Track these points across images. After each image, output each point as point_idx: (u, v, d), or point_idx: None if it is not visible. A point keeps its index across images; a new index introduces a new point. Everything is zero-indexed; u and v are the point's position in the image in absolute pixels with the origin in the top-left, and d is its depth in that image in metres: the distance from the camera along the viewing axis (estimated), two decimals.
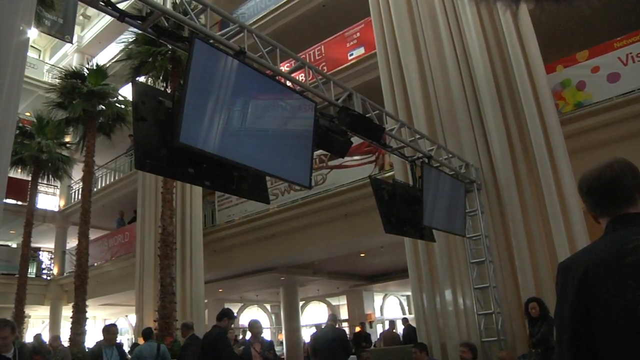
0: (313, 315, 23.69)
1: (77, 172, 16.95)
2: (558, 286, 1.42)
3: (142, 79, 12.07)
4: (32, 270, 18.53)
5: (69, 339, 12.71)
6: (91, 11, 21.14)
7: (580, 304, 1.30)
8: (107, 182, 18.46)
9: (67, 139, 17.34)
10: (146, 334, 8.22)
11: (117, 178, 18.00)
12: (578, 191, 1.55)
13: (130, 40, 12.33)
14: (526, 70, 7.82)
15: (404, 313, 22.12)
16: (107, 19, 19.46)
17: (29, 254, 16.18)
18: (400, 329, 16.63)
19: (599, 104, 8.02)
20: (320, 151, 8.06)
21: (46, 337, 12.94)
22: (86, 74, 14.67)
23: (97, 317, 23.62)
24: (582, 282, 1.31)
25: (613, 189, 1.44)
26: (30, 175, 16.56)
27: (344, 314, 21.99)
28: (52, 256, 20.56)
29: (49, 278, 19.91)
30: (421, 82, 8.91)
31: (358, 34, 12.14)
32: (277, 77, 4.77)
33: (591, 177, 1.49)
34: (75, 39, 18.82)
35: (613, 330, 1.24)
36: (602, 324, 1.26)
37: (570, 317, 1.32)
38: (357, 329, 15.72)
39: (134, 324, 16.23)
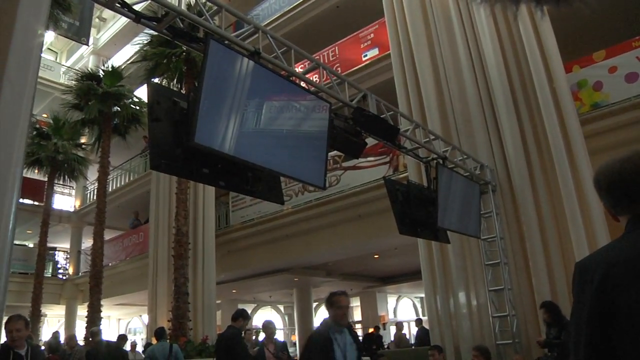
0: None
1: (92, 173, 17.12)
2: (575, 287, 1.31)
3: (156, 80, 12.14)
4: (48, 270, 18.79)
5: (84, 338, 12.82)
6: (107, 13, 21.39)
7: (599, 307, 1.21)
8: (122, 183, 18.64)
9: (83, 140, 17.54)
10: (158, 333, 8.21)
11: (132, 179, 18.17)
12: (595, 187, 1.42)
13: (145, 42, 12.43)
14: (544, 70, 7.73)
15: (417, 315, 21.96)
16: (122, 21, 19.65)
17: (45, 254, 16.39)
18: (413, 330, 16.52)
19: (616, 105, 7.93)
20: (334, 152, 8.05)
21: (61, 336, 13.06)
22: (102, 76, 14.81)
23: (112, 317, 23.83)
24: (602, 284, 1.21)
25: (636, 185, 1.32)
26: (47, 175, 16.77)
27: (357, 315, 21.91)
28: (68, 256, 20.83)
29: (64, 277, 20.18)
30: (435, 83, 8.87)
31: (372, 35, 12.12)
32: (291, 78, 4.77)
33: (610, 172, 1.36)
34: (91, 41, 18.96)
35: (638, 337, 1.15)
36: (624, 330, 1.17)
37: (588, 320, 1.22)
38: (370, 330, 15.62)
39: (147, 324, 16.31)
